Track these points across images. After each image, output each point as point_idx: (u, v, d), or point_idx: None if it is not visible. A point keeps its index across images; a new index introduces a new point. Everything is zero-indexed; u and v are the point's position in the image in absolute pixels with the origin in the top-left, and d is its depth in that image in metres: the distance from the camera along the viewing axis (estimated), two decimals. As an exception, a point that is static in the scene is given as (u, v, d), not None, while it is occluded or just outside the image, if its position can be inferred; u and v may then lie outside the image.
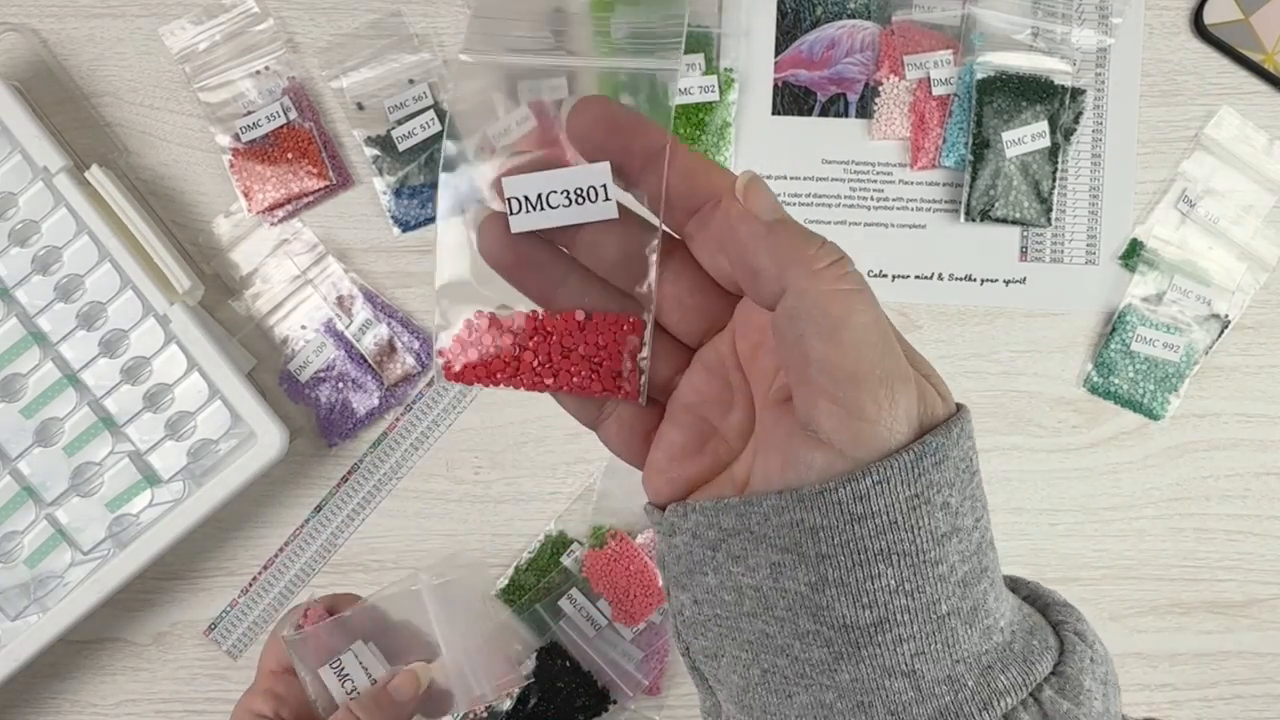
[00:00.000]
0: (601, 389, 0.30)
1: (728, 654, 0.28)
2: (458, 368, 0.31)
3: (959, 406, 0.28)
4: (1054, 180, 0.64)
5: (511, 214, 0.29)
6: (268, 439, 0.59)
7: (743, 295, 0.30)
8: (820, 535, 0.25)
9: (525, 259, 0.30)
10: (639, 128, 0.29)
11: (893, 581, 0.25)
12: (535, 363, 0.31)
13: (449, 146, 0.31)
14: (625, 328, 0.30)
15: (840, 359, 0.25)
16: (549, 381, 0.31)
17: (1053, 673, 0.27)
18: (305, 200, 0.66)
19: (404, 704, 0.46)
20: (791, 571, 0.26)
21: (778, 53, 0.66)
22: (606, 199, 0.29)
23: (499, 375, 0.31)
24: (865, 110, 0.66)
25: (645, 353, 0.30)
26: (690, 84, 0.64)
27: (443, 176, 0.31)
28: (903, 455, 0.25)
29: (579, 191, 0.29)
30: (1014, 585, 0.31)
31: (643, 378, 0.30)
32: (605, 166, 0.29)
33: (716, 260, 0.29)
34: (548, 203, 0.29)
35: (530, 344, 0.31)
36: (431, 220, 0.66)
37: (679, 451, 0.30)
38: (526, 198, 0.29)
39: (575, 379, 0.30)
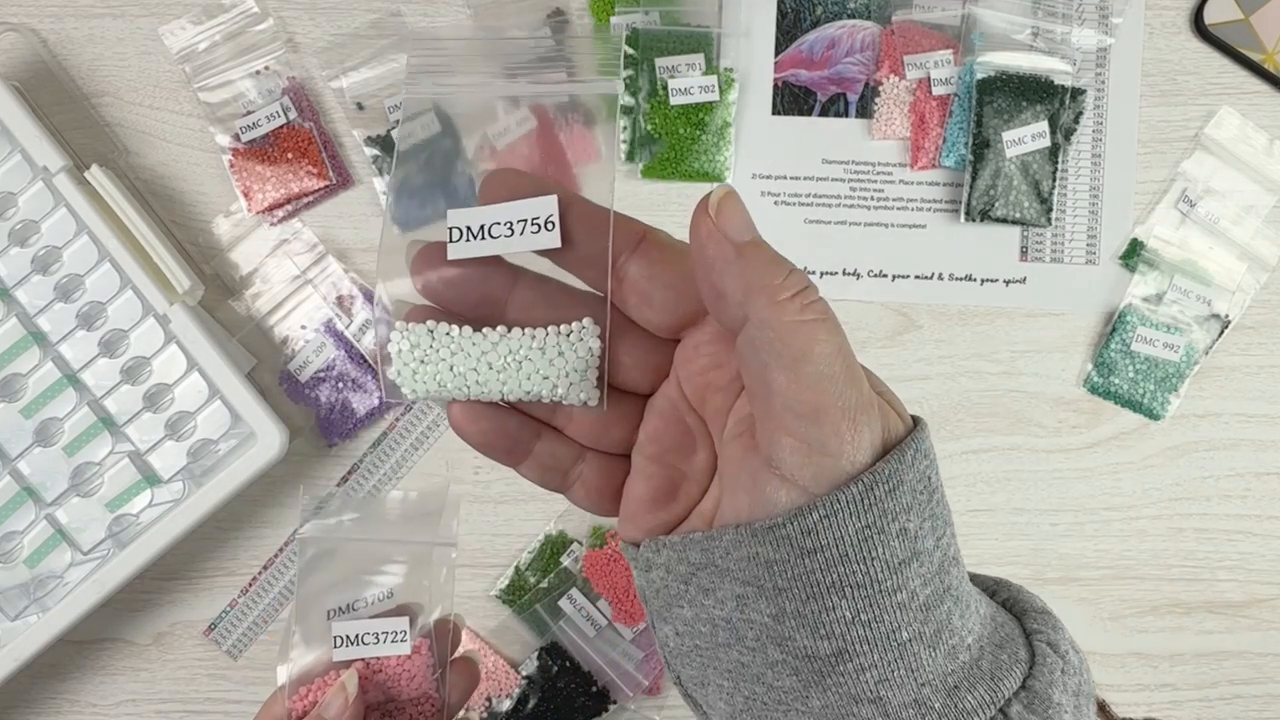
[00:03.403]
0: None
1: (712, 682, 0.28)
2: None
3: (916, 421, 0.27)
4: (1054, 180, 0.64)
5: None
6: (267, 439, 0.59)
7: (678, 340, 0.30)
8: (775, 569, 0.25)
9: (463, 284, 0.30)
10: (545, 192, 0.29)
11: (848, 613, 0.25)
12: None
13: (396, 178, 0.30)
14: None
15: (802, 392, 0.25)
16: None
17: (1022, 687, 0.26)
18: (305, 200, 0.66)
19: None
20: (754, 604, 0.26)
21: (778, 52, 0.66)
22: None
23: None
24: (865, 110, 0.66)
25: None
26: (690, 84, 0.64)
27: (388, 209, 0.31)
28: (852, 487, 0.25)
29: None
30: (994, 588, 0.31)
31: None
32: (553, 199, 0.28)
33: (642, 311, 0.29)
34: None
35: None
36: (430, 220, 0.66)
37: (649, 503, 0.30)
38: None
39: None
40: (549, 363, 0.29)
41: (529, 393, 0.29)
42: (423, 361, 0.30)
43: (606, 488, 0.31)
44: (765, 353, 0.25)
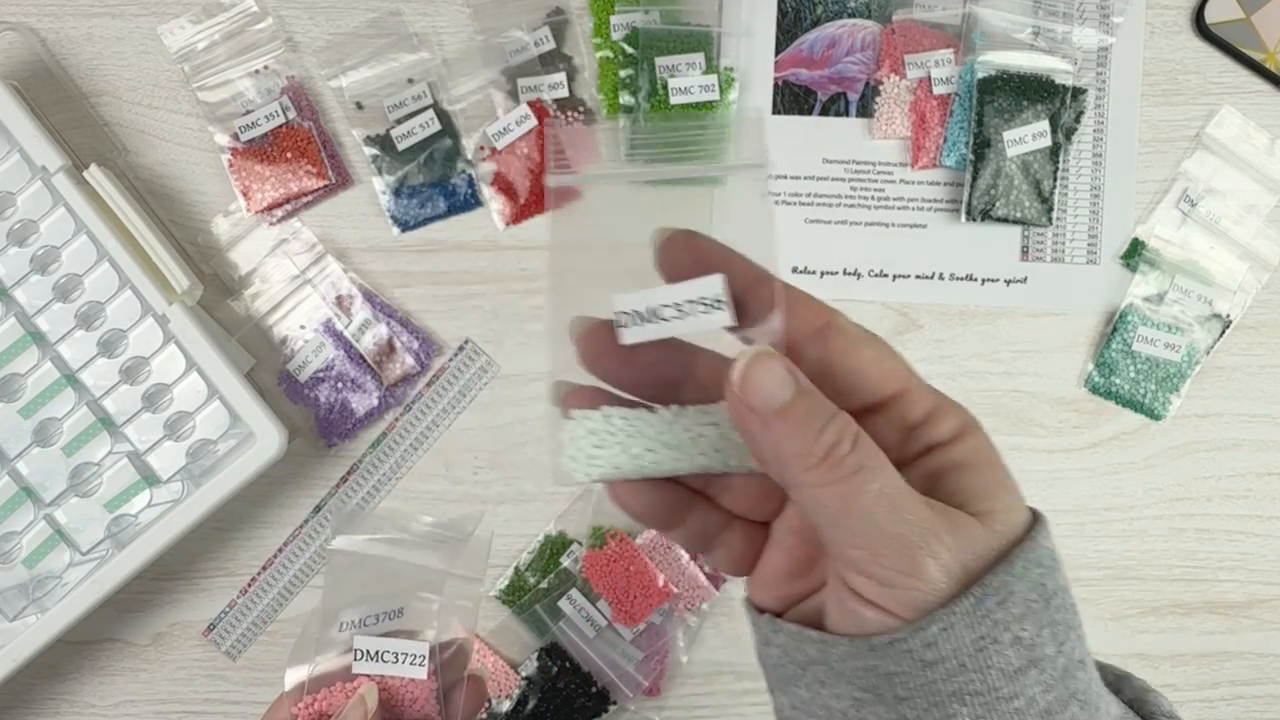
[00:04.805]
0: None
1: None
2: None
3: (1035, 518, 0.28)
4: (1055, 180, 0.64)
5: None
6: (266, 439, 0.59)
7: None
8: (895, 680, 0.26)
9: (638, 367, 0.30)
10: (729, 262, 0.28)
11: (969, 719, 0.26)
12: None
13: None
14: None
15: (853, 542, 0.26)
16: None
17: None
18: (304, 200, 0.66)
19: None
20: (872, 708, 0.27)
21: (778, 52, 0.66)
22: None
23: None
24: (866, 109, 0.66)
25: None
26: (690, 83, 0.64)
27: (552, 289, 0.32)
28: (964, 600, 0.26)
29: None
30: (1118, 685, 0.32)
31: None
32: (720, 279, 0.28)
33: None
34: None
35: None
36: (429, 220, 0.66)
37: (785, 574, 0.31)
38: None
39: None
40: (721, 436, 0.29)
41: (702, 466, 0.30)
42: (598, 446, 0.30)
43: (749, 554, 0.32)
44: (809, 512, 0.27)
